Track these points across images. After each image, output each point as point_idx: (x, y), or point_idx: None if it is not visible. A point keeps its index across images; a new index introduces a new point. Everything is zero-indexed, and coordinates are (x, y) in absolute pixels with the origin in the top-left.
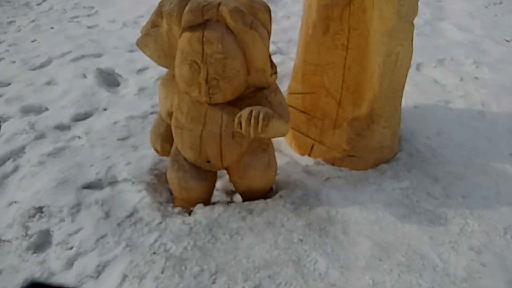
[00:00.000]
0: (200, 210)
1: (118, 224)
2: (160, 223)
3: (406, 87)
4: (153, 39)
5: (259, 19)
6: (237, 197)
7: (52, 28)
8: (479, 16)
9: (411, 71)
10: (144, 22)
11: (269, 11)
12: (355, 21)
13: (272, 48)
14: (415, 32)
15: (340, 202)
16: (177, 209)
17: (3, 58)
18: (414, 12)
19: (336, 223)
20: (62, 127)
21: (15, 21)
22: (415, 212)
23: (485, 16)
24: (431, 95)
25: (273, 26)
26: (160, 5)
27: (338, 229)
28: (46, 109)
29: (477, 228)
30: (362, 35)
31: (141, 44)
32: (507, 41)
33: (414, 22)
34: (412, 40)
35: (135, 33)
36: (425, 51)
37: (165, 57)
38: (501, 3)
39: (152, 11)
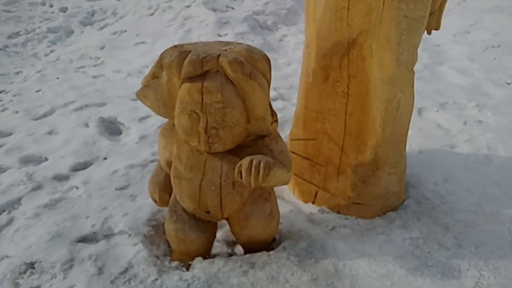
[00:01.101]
0: (198, 265)
1: (112, 282)
2: (156, 279)
3: (410, 131)
4: (153, 90)
5: (258, 69)
6: (239, 248)
7: (58, 78)
8: (478, 60)
9: (414, 116)
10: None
11: (268, 61)
12: (354, 69)
13: (273, 94)
14: (415, 76)
15: (348, 254)
16: (174, 263)
17: (7, 108)
18: (413, 59)
19: (344, 278)
20: (60, 178)
21: (22, 72)
22: (427, 264)
23: (484, 60)
24: (435, 140)
25: (274, 73)
26: (161, 57)
27: (347, 284)
28: (46, 159)
29: (493, 281)
30: (362, 82)
31: (141, 95)
32: (508, 83)
33: (414, 67)
34: (413, 86)
35: (139, 82)
36: (426, 95)
37: (164, 107)
38: (499, 46)
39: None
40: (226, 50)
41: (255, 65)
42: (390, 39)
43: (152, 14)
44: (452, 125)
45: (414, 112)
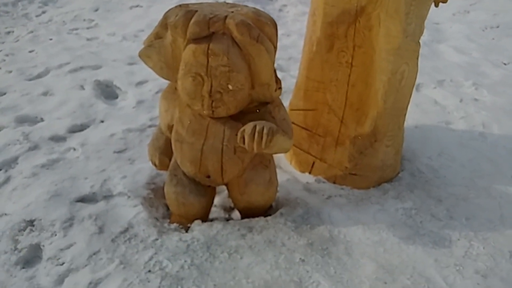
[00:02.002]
0: (197, 227)
1: (112, 240)
2: (156, 239)
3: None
4: (156, 50)
5: (265, 33)
6: (236, 214)
7: (51, 39)
8: (477, 40)
9: None
10: (144, 36)
11: (276, 25)
12: (360, 38)
13: None
14: (420, 49)
15: (343, 221)
16: (173, 225)
17: (0, 68)
18: (420, 31)
19: (339, 244)
20: (57, 139)
21: (13, 32)
22: (419, 233)
23: (482, 40)
24: (431, 116)
25: None
26: (165, 17)
27: (341, 249)
28: (42, 120)
29: (482, 251)
30: (367, 53)
31: (144, 55)
32: (505, 64)
33: None
34: (417, 59)
35: (135, 46)
36: (424, 72)
37: (167, 69)
38: (498, 27)
39: (152, 26)
40: (233, 12)
41: (262, 29)
42: (399, 9)
43: None
44: (448, 102)
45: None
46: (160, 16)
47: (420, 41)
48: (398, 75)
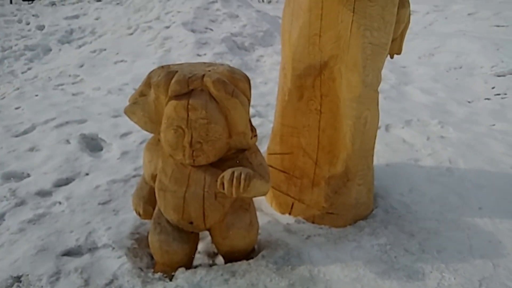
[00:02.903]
0: (181, 275)
1: None
2: None
3: (377, 146)
4: (141, 107)
5: (239, 88)
6: (220, 259)
7: (37, 95)
8: (441, 80)
9: (381, 132)
10: (128, 89)
11: (249, 80)
12: (326, 88)
13: (251, 111)
14: (382, 96)
15: (322, 260)
16: (157, 275)
17: None
18: (378, 81)
19: (319, 283)
20: (43, 193)
21: None
22: (394, 268)
23: (447, 80)
24: (401, 154)
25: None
26: (149, 76)
27: None
28: (28, 175)
29: (453, 281)
30: (333, 101)
31: (129, 111)
32: (469, 102)
33: (381, 87)
34: (377, 105)
35: (120, 99)
36: (393, 113)
37: (151, 123)
38: (461, 67)
39: (136, 79)
40: (210, 70)
41: (236, 85)
42: (356, 63)
43: (131, 34)
44: (416, 140)
45: (382, 128)
46: (143, 71)
47: (388, 84)
48: (362, 119)
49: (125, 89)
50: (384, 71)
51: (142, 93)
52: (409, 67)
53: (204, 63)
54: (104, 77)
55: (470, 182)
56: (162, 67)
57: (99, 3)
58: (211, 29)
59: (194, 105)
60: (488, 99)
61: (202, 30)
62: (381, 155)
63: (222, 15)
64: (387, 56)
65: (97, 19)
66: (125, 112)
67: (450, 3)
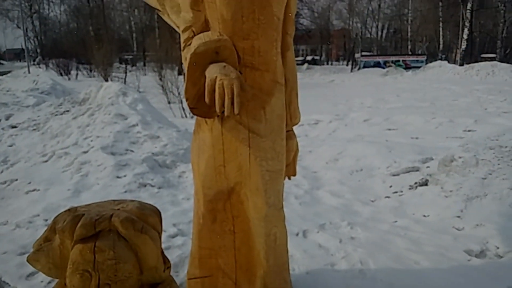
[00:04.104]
0: None
1: None
2: None
3: (297, 254)
4: (45, 253)
5: (149, 223)
6: None
7: None
8: (347, 182)
9: (300, 238)
10: (39, 221)
11: (159, 213)
12: (236, 210)
13: (173, 230)
14: (298, 201)
15: None
16: None
17: None
18: (280, 201)
19: None
20: None
21: None
22: None
23: (351, 182)
24: (318, 260)
25: (174, 209)
26: (54, 221)
27: None
28: None
29: None
30: (245, 221)
31: (32, 259)
32: (372, 201)
33: (296, 193)
34: (283, 221)
35: (29, 234)
36: (308, 218)
37: (56, 268)
38: (361, 170)
39: (48, 209)
40: (118, 209)
41: (146, 220)
42: (258, 187)
43: (46, 161)
44: (330, 244)
45: (300, 234)
46: (56, 199)
47: (302, 190)
48: (271, 236)
49: (35, 221)
50: (298, 177)
51: (46, 239)
52: (319, 172)
53: (114, 201)
54: (13, 210)
55: (381, 282)
56: (69, 210)
57: (14, 129)
58: (132, 151)
59: (101, 247)
60: (388, 197)
61: (122, 152)
62: (301, 262)
63: (143, 137)
64: (284, 178)
65: (10, 145)
66: (28, 261)
67: (348, 112)
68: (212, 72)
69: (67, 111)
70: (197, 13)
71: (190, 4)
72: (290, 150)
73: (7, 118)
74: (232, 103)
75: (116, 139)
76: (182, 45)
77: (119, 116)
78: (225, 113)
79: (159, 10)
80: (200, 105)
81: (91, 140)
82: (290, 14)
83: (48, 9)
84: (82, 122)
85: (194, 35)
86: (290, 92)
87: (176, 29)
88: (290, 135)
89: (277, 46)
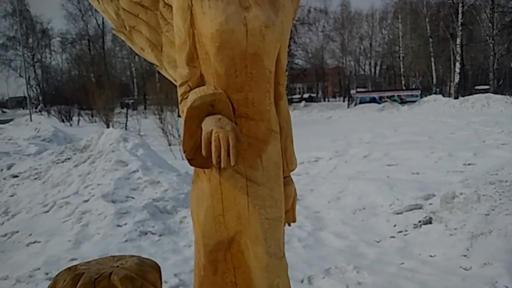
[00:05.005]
0: None
1: None
2: None
3: None
4: None
5: (148, 280)
6: None
7: None
8: (350, 222)
9: (305, 286)
10: (39, 275)
11: (158, 269)
12: (237, 261)
13: (174, 281)
14: (301, 244)
15: None
16: None
17: None
18: (280, 250)
19: None
20: None
21: None
22: None
23: (354, 222)
24: None
25: (175, 257)
26: (55, 281)
27: None
28: None
29: None
30: (246, 272)
31: None
32: (377, 242)
33: (300, 235)
34: (286, 271)
35: None
36: (313, 262)
37: None
38: (364, 208)
39: (49, 262)
40: (118, 266)
41: (145, 277)
42: (258, 236)
43: (47, 211)
44: None
45: (305, 281)
46: (57, 251)
47: (305, 231)
48: (274, 286)
49: (36, 275)
50: (300, 218)
51: None
52: (322, 212)
53: (113, 257)
54: (13, 263)
55: None
56: (69, 268)
57: (16, 178)
58: (132, 197)
59: None
60: (393, 237)
61: (122, 200)
62: None
63: (144, 182)
64: (284, 226)
65: (12, 196)
66: None
67: (347, 148)
68: (208, 125)
69: (69, 158)
70: (192, 69)
71: (186, 60)
72: (289, 196)
73: (8, 168)
74: (228, 155)
75: (117, 186)
76: (179, 98)
77: (119, 162)
78: (222, 165)
79: (157, 65)
80: (198, 156)
81: (92, 188)
82: (281, 66)
83: (50, 58)
84: (83, 170)
85: (191, 89)
86: (285, 139)
87: (173, 82)
88: (288, 181)
89: (270, 96)
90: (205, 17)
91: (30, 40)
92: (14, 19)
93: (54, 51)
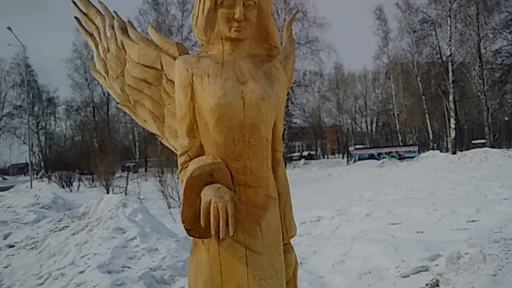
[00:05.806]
0: None
1: None
2: None
3: None
4: None
5: None
6: None
7: None
8: None
9: None
10: None
11: None
12: None
13: None
14: None
15: None
16: None
17: None
18: None
19: None
20: None
21: None
22: None
23: (361, 287)
24: None
25: None
26: None
27: None
28: None
29: None
30: None
31: None
32: None
33: None
34: None
35: None
36: None
37: None
38: (370, 272)
39: None
40: None
41: None
42: None
43: (42, 284)
44: None
45: None
46: None
47: None
48: None
49: None
50: (304, 284)
51: None
52: (326, 277)
53: None
54: None
55: None
56: None
57: (11, 248)
58: (129, 267)
59: None
60: None
61: (118, 270)
62: None
63: (141, 250)
64: None
65: (6, 267)
66: None
67: (349, 206)
68: (207, 194)
69: (67, 226)
70: (192, 139)
71: (186, 131)
72: (289, 265)
73: (5, 237)
74: (227, 225)
75: (114, 256)
76: (179, 168)
77: (117, 230)
78: (220, 236)
79: (159, 135)
80: (196, 226)
81: (88, 258)
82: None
83: (55, 125)
84: (81, 239)
85: (191, 159)
86: (284, 205)
87: (174, 151)
88: (288, 249)
89: (268, 164)
90: (205, 92)
91: (36, 108)
92: (22, 89)
93: (59, 118)
